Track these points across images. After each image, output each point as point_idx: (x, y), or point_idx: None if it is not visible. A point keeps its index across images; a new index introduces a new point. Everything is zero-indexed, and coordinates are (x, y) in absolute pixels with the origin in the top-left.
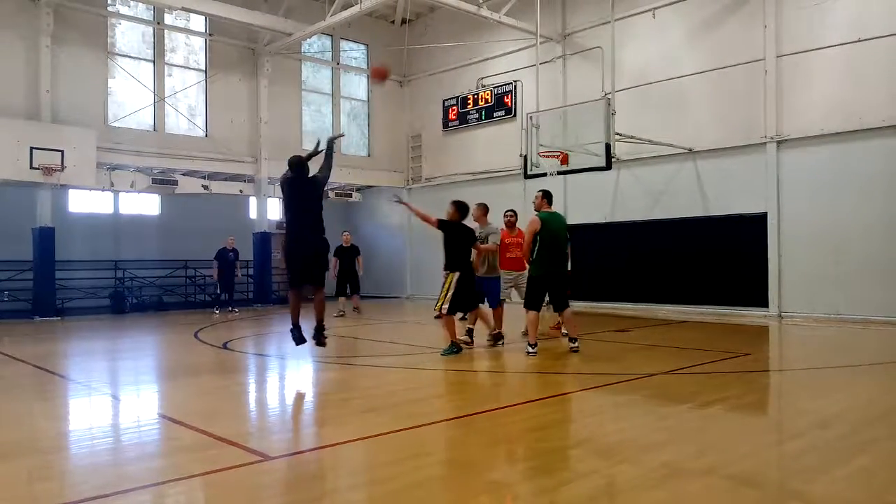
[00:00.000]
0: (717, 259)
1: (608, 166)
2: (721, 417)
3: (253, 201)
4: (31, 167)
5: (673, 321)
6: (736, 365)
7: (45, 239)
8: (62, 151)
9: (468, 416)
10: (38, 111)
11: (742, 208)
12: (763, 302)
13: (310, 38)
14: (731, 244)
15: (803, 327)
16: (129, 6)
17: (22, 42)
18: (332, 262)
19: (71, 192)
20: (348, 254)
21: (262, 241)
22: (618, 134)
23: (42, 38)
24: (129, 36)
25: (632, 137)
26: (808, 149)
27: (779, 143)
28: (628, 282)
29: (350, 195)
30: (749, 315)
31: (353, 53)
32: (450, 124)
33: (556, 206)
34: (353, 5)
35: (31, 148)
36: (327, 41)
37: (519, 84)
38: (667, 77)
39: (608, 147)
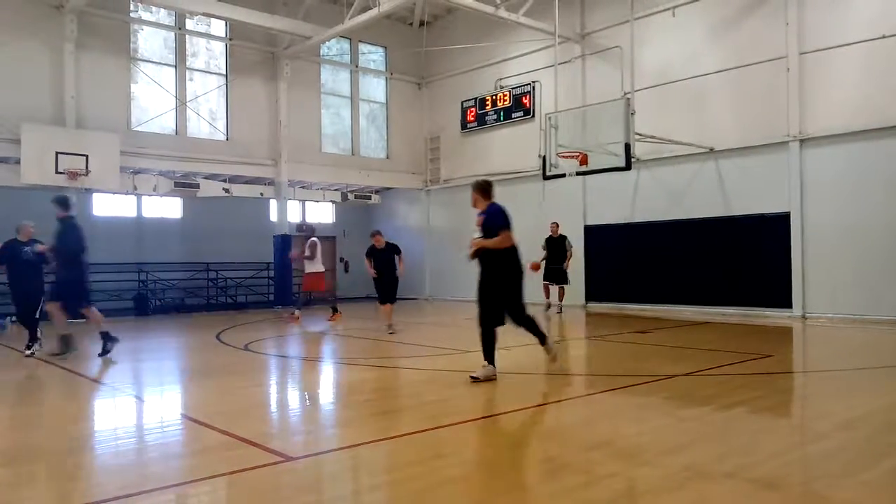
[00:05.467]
0: (739, 259)
1: (628, 167)
2: (744, 419)
3: (273, 204)
4: (57, 171)
5: (695, 322)
6: (759, 366)
7: None
8: (87, 156)
9: (488, 417)
10: (63, 116)
11: (764, 208)
12: (786, 303)
13: (328, 41)
14: (753, 244)
15: (827, 328)
16: (150, 12)
17: (47, 49)
18: (366, 263)
19: (95, 195)
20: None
21: (283, 243)
22: (638, 134)
23: (66, 44)
24: (151, 41)
25: (652, 137)
26: (832, 147)
27: (802, 141)
28: (649, 283)
29: (369, 197)
30: (772, 316)
31: (372, 56)
32: (468, 126)
33: (575, 207)
34: (371, 8)
35: (57, 153)
36: (346, 44)
37: (537, 85)
38: (687, 76)
39: (628, 147)
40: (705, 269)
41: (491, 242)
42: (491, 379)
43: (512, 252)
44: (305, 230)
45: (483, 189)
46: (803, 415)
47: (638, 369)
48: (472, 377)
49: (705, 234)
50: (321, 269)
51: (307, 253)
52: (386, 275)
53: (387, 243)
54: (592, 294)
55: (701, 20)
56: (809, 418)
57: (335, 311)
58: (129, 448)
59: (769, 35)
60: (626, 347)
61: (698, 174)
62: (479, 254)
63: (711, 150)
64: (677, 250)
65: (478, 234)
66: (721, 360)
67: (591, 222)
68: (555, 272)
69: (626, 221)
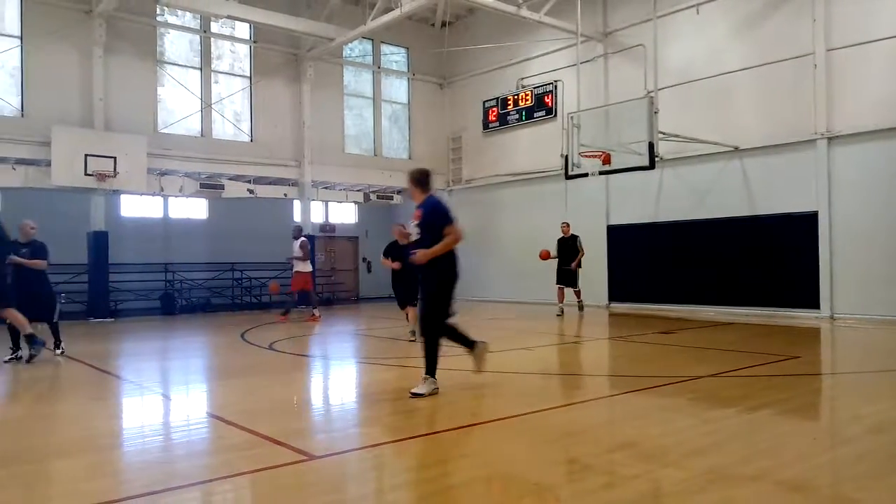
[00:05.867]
0: (764, 259)
1: (651, 166)
2: (770, 421)
3: (297, 204)
4: (86, 173)
5: (719, 323)
6: (785, 368)
7: (98, 242)
8: (115, 158)
9: (511, 417)
10: (91, 119)
11: (791, 207)
12: (814, 303)
13: (351, 42)
14: (779, 244)
15: (857, 329)
16: (176, 15)
17: (77, 52)
18: (383, 262)
19: (122, 196)
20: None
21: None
22: (661, 132)
23: (95, 48)
24: (177, 44)
25: (676, 136)
26: (861, 145)
27: (829, 139)
28: (673, 283)
29: (391, 198)
30: (799, 317)
31: (394, 57)
32: (490, 125)
33: (598, 207)
34: (393, 9)
35: (86, 155)
36: (368, 45)
37: (560, 84)
38: (711, 74)
39: (651, 146)
40: (730, 268)
41: (441, 247)
42: (434, 394)
43: (451, 252)
44: (294, 231)
45: (419, 179)
46: (832, 417)
47: (662, 370)
48: (412, 393)
49: (730, 234)
50: (310, 268)
51: (299, 254)
52: (408, 274)
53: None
54: (615, 294)
55: (725, 17)
56: (838, 421)
57: (313, 314)
58: (155, 445)
59: (795, 31)
60: (650, 348)
61: (722, 173)
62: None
63: (736, 148)
64: (701, 250)
65: (416, 230)
66: (746, 362)
67: (614, 222)
68: (566, 274)
69: (650, 221)
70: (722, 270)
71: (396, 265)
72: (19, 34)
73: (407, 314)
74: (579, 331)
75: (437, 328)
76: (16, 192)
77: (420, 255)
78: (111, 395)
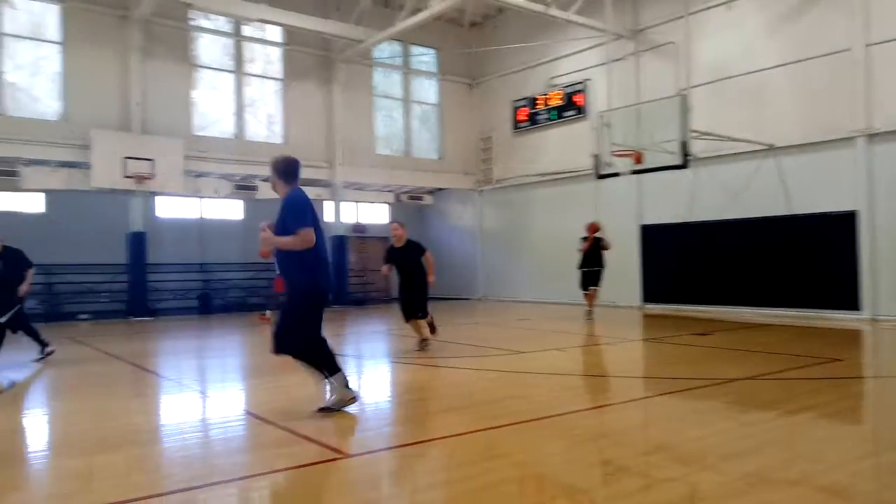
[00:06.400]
0: (801, 259)
1: (684, 165)
2: (810, 425)
3: (328, 205)
4: (125, 176)
5: (755, 324)
6: (826, 371)
7: (137, 243)
8: (153, 160)
9: (545, 418)
10: (129, 123)
11: (829, 206)
12: (854, 304)
13: (380, 43)
14: (816, 244)
15: None
16: (209, 19)
17: (115, 57)
18: (383, 269)
19: (157, 198)
20: (407, 255)
21: (340, 244)
22: (694, 131)
23: (132, 53)
24: (210, 48)
25: (709, 134)
26: None
27: (869, 136)
28: (707, 283)
29: (421, 198)
30: (838, 318)
31: (423, 57)
32: (520, 125)
33: (630, 206)
34: (422, 10)
35: (125, 158)
36: (397, 46)
37: (590, 83)
38: (745, 71)
39: (684, 145)
40: (766, 269)
41: (286, 242)
42: (350, 402)
43: (310, 254)
44: None
45: (283, 169)
46: (875, 422)
47: (697, 372)
48: (320, 409)
49: (765, 234)
50: None
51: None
52: (410, 281)
53: (409, 241)
54: (649, 295)
55: (758, 13)
56: (882, 425)
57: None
58: (195, 441)
59: (832, 27)
60: (685, 350)
61: (758, 172)
62: (276, 252)
63: (771, 146)
64: (736, 250)
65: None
66: (785, 364)
67: (646, 222)
68: (591, 276)
69: (683, 221)
70: (758, 271)
71: (386, 269)
72: (60, 40)
73: (417, 325)
74: (612, 332)
75: (298, 345)
76: (58, 194)
77: (263, 236)
78: (151, 392)
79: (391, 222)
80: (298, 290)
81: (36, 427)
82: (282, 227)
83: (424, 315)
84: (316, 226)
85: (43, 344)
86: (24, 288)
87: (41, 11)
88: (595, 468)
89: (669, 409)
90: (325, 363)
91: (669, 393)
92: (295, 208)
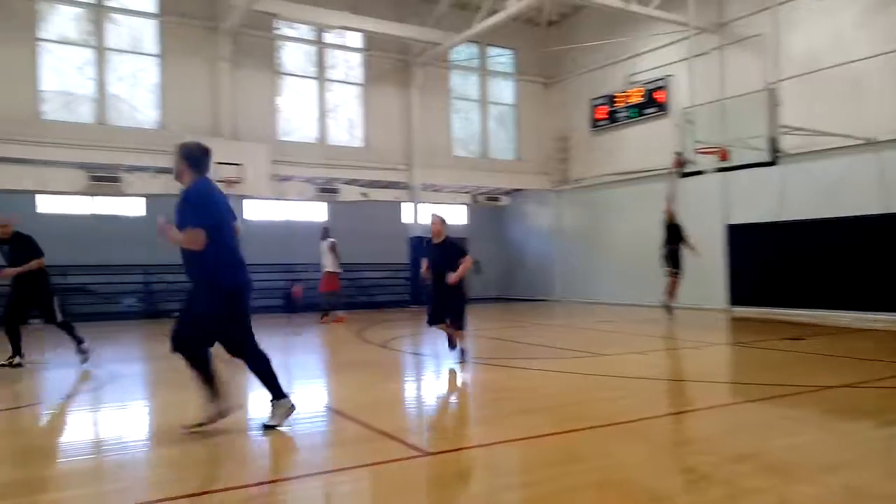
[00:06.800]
0: None
1: (773, 161)
2: None
3: (406, 207)
4: (217, 180)
5: (853, 329)
6: None
7: None
8: (242, 165)
9: (626, 422)
10: (219, 129)
11: None
12: None
13: (458, 46)
14: None
15: None
16: (293, 28)
17: (205, 67)
18: (423, 265)
19: (244, 201)
20: (441, 254)
21: (417, 245)
22: (784, 126)
23: (221, 62)
24: (294, 56)
25: (800, 129)
26: None
27: None
28: (800, 285)
29: (498, 199)
30: None
31: (499, 58)
32: (598, 124)
33: (715, 205)
34: (499, 11)
35: (216, 163)
36: (474, 48)
37: (671, 79)
38: (839, 62)
39: (773, 141)
40: (865, 270)
41: (180, 238)
42: (289, 413)
43: (215, 253)
44: (322, 232)
45: (188, 156)
46: None
47: (788, 378)
48: (264, 425)
49: (863, 233)
50: (339, 269)
51: (328, 255)
52: (441, 285)
53: (447, 238)
54: (737, 298)
55: (851, 1)
56: None
57: (329, 314)
58: (279, 436)
59: None
60: (776, 355)
61: (854, 168)
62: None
63: (870, 141)
64: (831, 250)
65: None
66: (886, 372)
67: (734, 221)
68: (673, 255)
69: (773, 220)
70: (855, 273)
71: (425, 268)
72: (158, 53)
73: (449, 334)
74: (696, 335)
75: (191, 347)
76: (157, 199)
77: (160, 227)
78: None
79: (432, 214)
80: (210, 302)
81: (135, 418)
82: (180, 219)
83: (459, 327)
84: (221, 220)
85: (16, 352)
86: (8, 271)
87: (140, 26)
88: (677, 475)
89: (758, 416)
90: (271, 384)
91: (758, 400)
92: (197, 202)
